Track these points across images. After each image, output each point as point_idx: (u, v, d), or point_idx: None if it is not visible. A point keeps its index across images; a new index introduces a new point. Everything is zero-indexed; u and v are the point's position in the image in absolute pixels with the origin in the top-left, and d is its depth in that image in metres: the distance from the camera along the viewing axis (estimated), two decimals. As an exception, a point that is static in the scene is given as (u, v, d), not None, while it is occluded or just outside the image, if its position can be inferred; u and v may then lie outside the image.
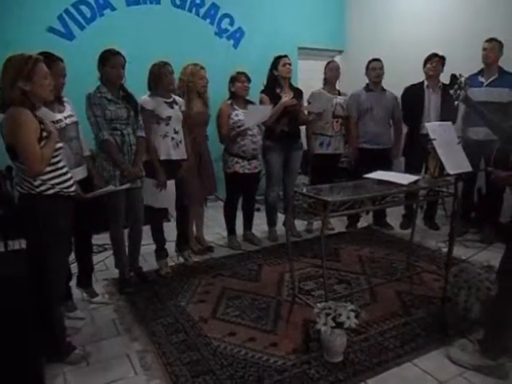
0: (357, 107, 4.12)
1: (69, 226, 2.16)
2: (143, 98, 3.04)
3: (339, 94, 4.15)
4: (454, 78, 2.25)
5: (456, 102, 2.27)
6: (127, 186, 2.79)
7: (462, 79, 2.23)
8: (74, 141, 2.54)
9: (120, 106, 2.77)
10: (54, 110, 2.44)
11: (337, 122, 4.09)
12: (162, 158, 3.07)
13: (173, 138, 3.11)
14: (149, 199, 3.08)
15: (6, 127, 1.90)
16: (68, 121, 2.49)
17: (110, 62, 2.71)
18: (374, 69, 4.06)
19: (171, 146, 3.10)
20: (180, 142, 3.17)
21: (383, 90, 4.16)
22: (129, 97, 2.85)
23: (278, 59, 3.76)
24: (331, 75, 4.08)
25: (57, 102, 2.49)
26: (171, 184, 3.10)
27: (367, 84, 4.17)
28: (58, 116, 2.44)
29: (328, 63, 4.16)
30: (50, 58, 2.38)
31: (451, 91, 2.29)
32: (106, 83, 2.75)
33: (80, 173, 2.57)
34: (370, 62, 4.13)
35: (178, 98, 3.21)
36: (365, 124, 4.12)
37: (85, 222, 2.63)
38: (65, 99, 2.57)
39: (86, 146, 2.70)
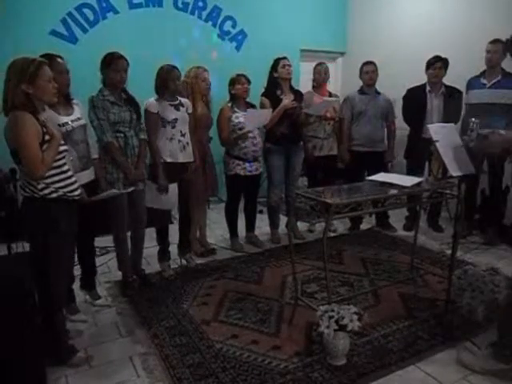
0: (350, 110, 4.11)
1: (72, 229, 2.16)
2: (149, 101, 3.03)
3: (330, 95, 4.14)
4: (467, 124, 2.36)
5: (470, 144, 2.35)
6: (131, 189, 2.82)
7: (474, 119, 2.32)
8: (80, 144, 2.51)
9: (123, 109, 2.77)
10: (60, 112, 2.42)
11: (328, 124, 4.09)
12: (169, 160, 3.07)
13: (179, 141, 3.09)
14: (151, 201, 3.08)
15: (9, 131, 1.91)
16: (75, 124, 2.47)
17: (113, 65, 2.70)
18: (367, 72, 4.06)
19: (178, 149, 3.09)
20: (187, 144, 3.16)
21: (377, 92, 4.14)
22: (131, 100, 2.84)
23: (277, 61, 3.75)
24: (320, 78, 4.08)
25: (65, 103, 2.47)
26: (173, 187, 3.10)
27: (361, 87, 4.16)
28: (65, 119, 2.43)
29: (316, 65, 4.14)
30: (48, 58, 2.39)
31: (465, 137, 2.41)
32: (109, 86, 2.75)
33: (86, 176, 2.55)
34: (363, 65, 4.12)
35: (184, 100, 3.19)
36: (358, 127, 4.10)
37: (88, 224, 2.62)
38: (74, 101, 2.56)
39: (94, 149, 2.69)
